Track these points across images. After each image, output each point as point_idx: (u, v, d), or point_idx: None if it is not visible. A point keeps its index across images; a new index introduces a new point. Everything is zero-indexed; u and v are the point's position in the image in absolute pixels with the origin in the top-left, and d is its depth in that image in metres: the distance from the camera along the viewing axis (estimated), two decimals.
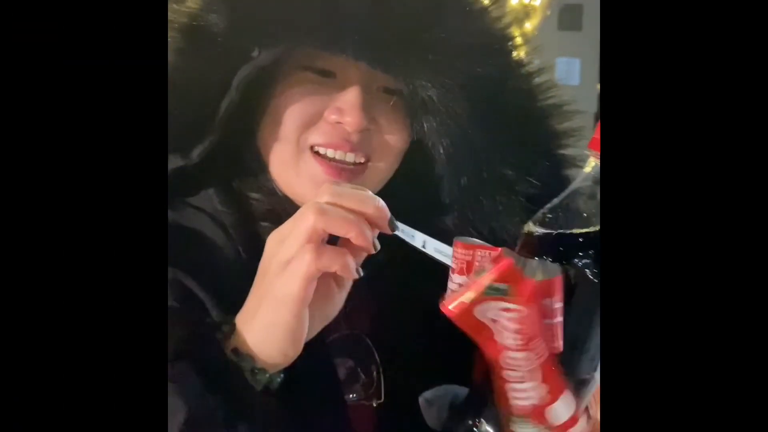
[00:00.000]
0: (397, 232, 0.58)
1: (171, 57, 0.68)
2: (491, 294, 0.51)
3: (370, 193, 0.58)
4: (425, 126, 0.70)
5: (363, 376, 0.73)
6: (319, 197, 0.57)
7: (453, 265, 0.54)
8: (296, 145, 0.70)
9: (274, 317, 0.56)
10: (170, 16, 0.68)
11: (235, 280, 0.60)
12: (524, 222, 0.56)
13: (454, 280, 0.54)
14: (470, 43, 0.69)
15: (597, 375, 0.54)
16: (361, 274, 0.57)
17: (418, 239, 0.58)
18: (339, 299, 0.60)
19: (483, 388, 0.56)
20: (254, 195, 0.73)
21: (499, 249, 0.53)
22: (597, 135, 0.52)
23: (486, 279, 0.52)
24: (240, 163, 0.74)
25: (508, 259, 0.52)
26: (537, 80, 0.74)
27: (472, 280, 0.53)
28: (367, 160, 0.70)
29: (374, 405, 0.72)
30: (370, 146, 0.70)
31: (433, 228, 0.59)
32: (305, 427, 0.68)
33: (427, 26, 0.68)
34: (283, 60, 0.69)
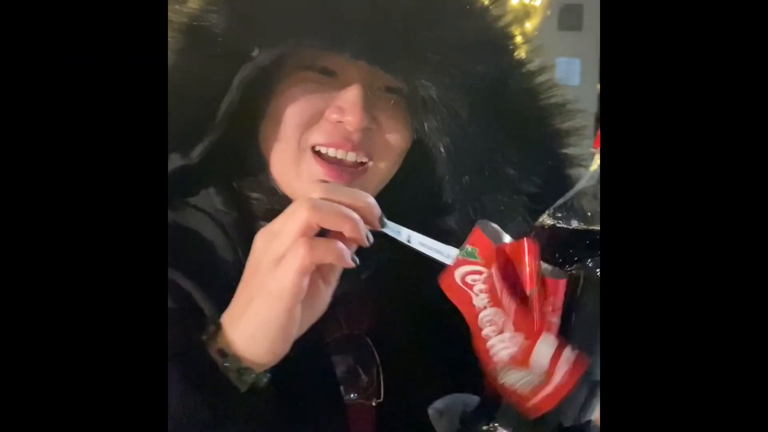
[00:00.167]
0: (384, 229, 0.59)
1: (171, 57, 0.68)
2: (464, 257, 0.56)
3: (360, 191, 0.59)
4: (426, 125, 0.70)
5: (362, 376, 0.73)
6: (310, 194, 0.58)
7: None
8: (297, 145, 0.70)
9: (266, 314, 0.56)
10: (170, 16, 0.68)
11: (232, 281, 0.60)
12: (526, 221, 0.56)
13: None
14: (470, 41, 0.69)
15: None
16: (357, 262, 0.58)
17: (403, 234, 0.59)
18: (326, 296, 0.60)
19: (495, 395, 0.56)
20: (255, 195, 0.73)
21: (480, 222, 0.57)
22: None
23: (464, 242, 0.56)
24: (241, 163, 0.74)
25: (477, 228, 0.56)
26: (538, 79, 0.74)
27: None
28: (369, 160, 0.70)
29: (373, 404, 0.72)
30: (371, 145, 0.70)
31: (436, 228, 0.59)
32: (304, 426, 0.68)
33: (426, 25, 0.68)
34: (284, 60, 0.69)
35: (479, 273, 0.55)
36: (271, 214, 0.71)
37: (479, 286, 0.55)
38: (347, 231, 0.56)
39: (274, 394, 0.61)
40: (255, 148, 0.73)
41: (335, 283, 0.60)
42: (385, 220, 0.59)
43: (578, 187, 0.55)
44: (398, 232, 0.59)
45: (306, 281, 0.56)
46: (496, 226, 0.56)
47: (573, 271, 0.52)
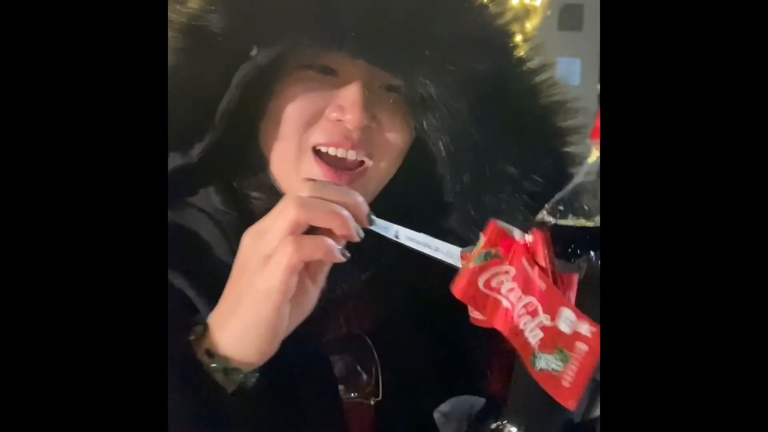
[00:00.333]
0: (372, 227, 0.59)
1: (171, 56, 0.68)
2: (486, 260, 0.54)
3: (349, 188, 0.59)
4: (425, 124, 0.70)
5: (361, 375, 0.73)
6: (298, 192, 0.58)
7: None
8: (298, 145, 0.70)
9: (255, 313, 0.56)
10: (170, 16, 0.68)
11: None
12: (528, 220, 0.56)
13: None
14: (469, 39, 0.69)
15: None
16: (348, 256, 0.58)
17: (391, 231, 0.59)
18: (314, 295, 0.60)
19: (502, 395, 0.56)
20: (255, 194, 0.73)
21: (492, 221, 0.55)
22: (599, 124, 0.52)
23: (478, 247, 0.55)
24: (241, 162, 0.73)
25: (493, 222, 0.55)
26: (539, 78, 0.74)
27: (469, 251, 0.55)
28: (368, 159, 0.70)
29: (372, 403, 0.73)
30: (371, 144, 0.70)
31: (437, 228, 0.59)
32: (303, 424, 0.68)
33: (425, 22, 0.67)
34: (284, 59, 0.69)
35: (505, 273, 0.54)
36: None
37: (508, 285, 0.54)
38: (336, 227, 0.56)
39: (271, 393, 0.61)
40: (255, 147, 0.73)
41: (323, 281, 0.60)
42: (373, 218, 0.59)
43: (576, 180, 0.54)
44: (386, 228, 0.59)
45: (294, 280, 0.56)
46: (506, 224, 0.56)
47: (581, 264, 0.52)
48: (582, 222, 0.53)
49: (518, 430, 0.55)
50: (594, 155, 0.54)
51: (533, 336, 0.52)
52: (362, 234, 0.58)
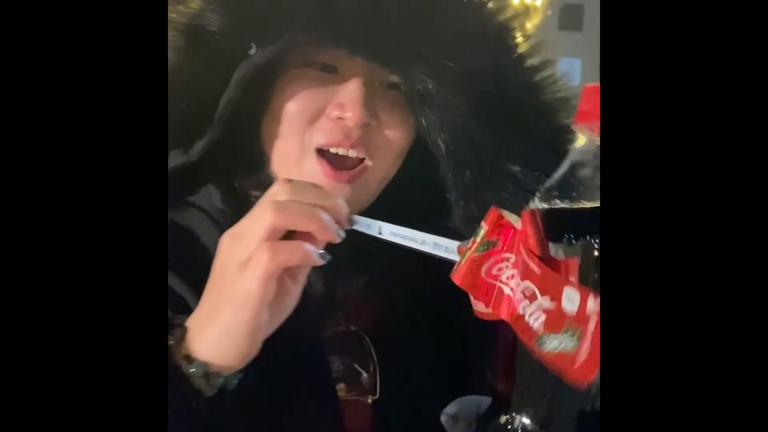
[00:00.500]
0: (354, 226, 0.58)
1: (170, 55, 0.68)
2: (488, 249, 0.54)
3: (327, 190, 0.59)
4: (424, 120, 0.70)
5: (359, 373, 0.73)
6: (275, 194, 0.57)
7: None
8: (301, 144, 0.69)
9: (233, 319, 0.56)
10: (170, 15, 0.68)
11: None
12: None
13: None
14: (467, 34, 0.69)
15: None
16: (328, 258, 0.57)
17: (374, 228, 0.59)
18: (295, 294, 0.59)
19: (506, 392, 0.55)
20: (256, 193, 0.73)
21: (494, 208, 0.55)
22: (583, 107, 0.52)
23: (479, 236, 0.54)
24: (242, 161, 0.73)
25: (494, 210, 0.54)
26: (541, 75, 0.74)
27: (471, 241, 0.55)
28: (368, 158, 0.70)
29: (369, 402, 0.72)
30: (371, 143, 0.70)
31: (440, 227, 0.59)
32: (300, 422, 0.68)
33: (422, 18, 0.67)
34: (284, 57, 0.69)
35: (506, 260, 0.53)
36: None
37: (508, 272, 0.53)
38: (315, 230, 0.56)
39: (265, 391, 0.61)
40: (257, 145, 0.73)
41: (304, 281, 0.60)
42: (355, 217, 0.59)
43: (566, 166, 0.54)
44: (368, 225, 0.59)
45: (272, 285, 0.55)
46: (507, 212, 0.55)
47: (580, 248, 0.51)
48: (579, 204, 0.52)
49: (528, 419, 0.54)
50: (581, 140, 0.53)
51: (534, 320, 0.51)
52: (343, 235, 0.57)
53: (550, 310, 0.50)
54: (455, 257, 0.57)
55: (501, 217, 0.54)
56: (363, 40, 0.66)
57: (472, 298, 0.56)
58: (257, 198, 0.72)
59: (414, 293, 0.75)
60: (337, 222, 0.57)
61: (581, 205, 0.52)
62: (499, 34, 0.73)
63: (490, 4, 0.74)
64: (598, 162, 0.51)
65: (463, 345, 0.75)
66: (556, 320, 0.50)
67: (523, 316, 0.52)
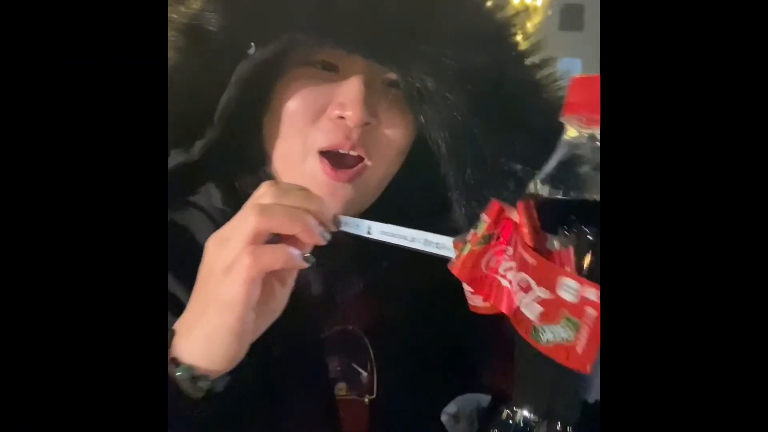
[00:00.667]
0: (342, 228, 0.58)
1: (171, 55, 0.68)
2: (487, 242, 0.53)
3: (312, 192, 0.58)
4: (423, 118, 0.70)
5: (356, 372, 0.73)
6: (260, 197, 0.57)
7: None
8: (303, 143, 0.69)
9: (218, 322, 0.55)
10: (170, 15, 0.68)
11: None
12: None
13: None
14: (466, 31, 0.69)
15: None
16: (312, 261, 0.57)
17: (362, 228, 0.59)
18: (283, 297, 0.59)
19: (506, 389, 0.55)
20: None
21: (494, 201, 0.55)
22: (571, 99, 0.52)
23: (480, 229, 0.54)
24: (243, 160, 0.73)
25: (495, 203, 0.54)
26: (541, 73, 0.74)
27: (471, 234, 0.54)
28: (368, 157, 0.70)
29: (366, 401, 0.72)
30: (371, 143, 0.70)
31: (442, 227, 0.59)
32: (297, 421, 0.67)
33: (421, 15, 0.67)
34: (284, 56, 0.69)
35: (504, 252, 0.53)
36: None
37: (506, 265, 0.53)
38: (300, 234, 0.56)
39: (260, 391, 0.61)
40: (258, 145, 0.73)
41: (293, 283, 0.59)
42: (341, 218, 0.58)
43: (556, 158, 0.53)
44: (357, 226, 0.59)
45: (256, 289, 0.55)
46: (507, 204, 0.55)
47: (574, 238, 0.51)
48: (573, 195, 0.52)
49: (528, 412, 0.53)
50: (569, 132, 0.53)
51: (530, 311, 0.50)
52: (328, 237, 0.57)
53: (546, 300, 0.50)
54: (447, 253, 0.56)
55: (502, 209, 0.54)
56: (361, 39, 0.66)
57: (467, 292, 0.56)
58: None
59: (412, 293, 0.75)
60: (323, 224, 0.57)
61: (574, 196, 0.51)
62: (499, 31, 0.73)
63: (489, 3, 0.74)
64: (588, 152, 0.51)
65: (462, 344, 0.75)
66: (552, 311, 0.49)
67: (519, 307, 0.51)
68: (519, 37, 0.74)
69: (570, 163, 0.52)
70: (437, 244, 0.57)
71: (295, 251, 0.56)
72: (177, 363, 0.56)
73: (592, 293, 0.48)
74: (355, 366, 0.73)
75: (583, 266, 0.50)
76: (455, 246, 0.56)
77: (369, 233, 0.58)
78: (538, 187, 0.53)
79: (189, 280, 0.63)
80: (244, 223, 0.56)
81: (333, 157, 0.69)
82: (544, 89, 0.74)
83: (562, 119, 0.53)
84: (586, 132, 0.51)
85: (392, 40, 0.66)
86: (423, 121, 0.70)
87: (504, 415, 0.54)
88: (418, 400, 0.69)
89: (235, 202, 0.72)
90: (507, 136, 0.70)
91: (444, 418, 0.62)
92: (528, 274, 0.51)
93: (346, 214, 0.68)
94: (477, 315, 0.56)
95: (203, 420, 0.56)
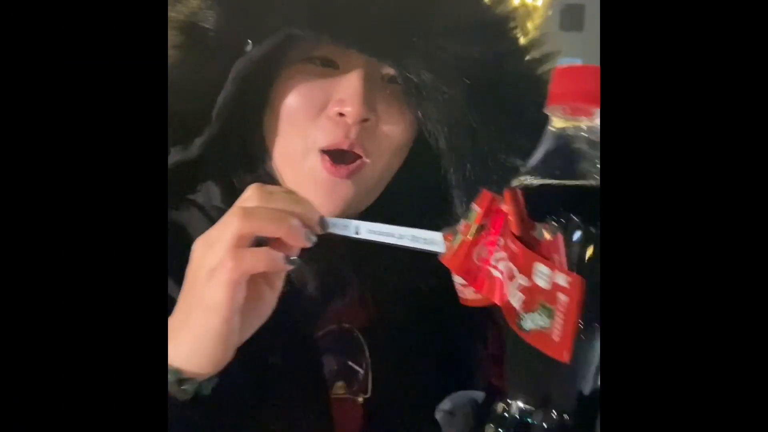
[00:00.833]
0: (330, 229, 0.58)
1: (170, 53, 0.68)
2: (478, 233, 0.53)
3: (299, 194, 0.58)
4: (421, 113, 0.69)
5: (351, 371, 0.73)
6: (245, 200, 0.57)
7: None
8: (304, 143, 0.69)
9: (204, 326, 0.55)
10: (170, 14, 0.68)
11: None
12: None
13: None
14: (463, 26, 0.69)
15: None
16: (297, 263, 0.57)
17: (350, 228, 0.58)
18: (271, 299, 0.59)
19: (500, 385, 0.55)
20: None
21: (485, 191, 0.54)
22: (555, 90, 0.52)
23: (471, 219, 0.54)
24: (242, 158, 0.73)
25: (486, 193, 0.53)
26: (542, 68, 0.74)
27: (462, 224, 0.54)
28: (366, 153, 0.70)
29: (360, 400, 0.72)
30: (369, 140, 0.69)
31: (444, 224, 0.59)
32: (291, 421, 0.67)
33: (417, 10, 0.67)
34: (283, 52, 0.69)
35: (496, 242, 0.53)
36: None
37: (498, 255, 0.53)
38: (284, 236, 0.56)
39: (254, 390, 0.60)
40: (258, 142, 0.72)
41: (281, 286, 0.59)
42: (327, 220, 0.58)
43: (542, 148, 0.53)
44: (345, 226, 0.58)
45: (241, 292, 0.55)
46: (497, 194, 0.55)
47: (563, 227, 0.51)
48: (561, 183, 0.51)
49: (523, 403, 0.53)
50: (555, 122, 0.53)
51: (516, 300, 0.51)
52: (314, 239, 0.57)
53: (525, 287, 0.50)
54: (436, 248, 0.56)
55: (493, 199, 0.54)
56: (357, 33, 0.66)
57: (457, 285, 0.56)
58: None
59: (407, 290, 0.74)
60: (308, 227, 0.57)
61: (562, 185, 0.51)
62: (497, 26, 0.73)
63: None
64: (575, 142, 0.51)
65: (456, 342, 0.75)
66: (531, 298, 0.49)
67: (506, 295, 0.51)
68: (518, 32, 0.74)
69: (556, 154, 0.52)
70: (425, 239, 0.57)
71: (278, 254, 0.56)
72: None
73: (562, 278, 0.48)
74: (352, 364, 0.72)
75: (572, 255, 0.49)
76: (446, 238, 0.56)
77: (357, 233, 0.58)
78: (526, 177, 0.52)
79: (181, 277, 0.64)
80: (228, 226, 0.56)
81: (333, 155, 0.69)
82: (545, 85, 0.73)
83: (546, 110, 0.53)
84: (571, 122, 0.51)
85: (390, 35, 0.66)
86: (421, 116, 0.69)
87: (499, 409, 0.54)
88: (412, 399, 0.69)
89: (233, 200, 0.72)
90: (507, 131, 0.70)
91: (439, 415, 0.62)
92: (512, 263, 0.51)
93: (346, 213, 0.67)
94: (471, 314, 0.56)
95: (194, 422, 0.56)
